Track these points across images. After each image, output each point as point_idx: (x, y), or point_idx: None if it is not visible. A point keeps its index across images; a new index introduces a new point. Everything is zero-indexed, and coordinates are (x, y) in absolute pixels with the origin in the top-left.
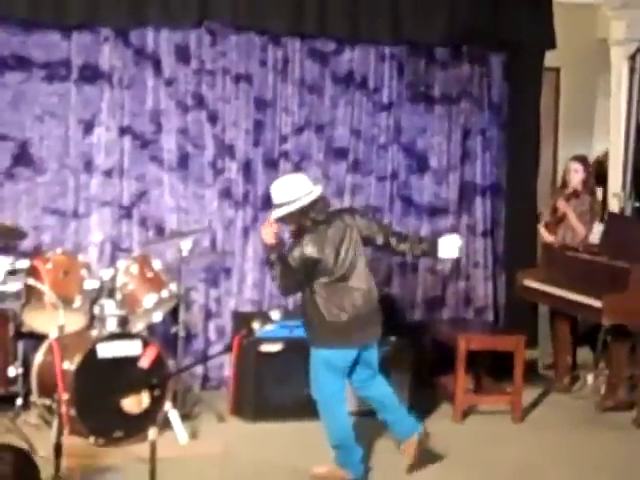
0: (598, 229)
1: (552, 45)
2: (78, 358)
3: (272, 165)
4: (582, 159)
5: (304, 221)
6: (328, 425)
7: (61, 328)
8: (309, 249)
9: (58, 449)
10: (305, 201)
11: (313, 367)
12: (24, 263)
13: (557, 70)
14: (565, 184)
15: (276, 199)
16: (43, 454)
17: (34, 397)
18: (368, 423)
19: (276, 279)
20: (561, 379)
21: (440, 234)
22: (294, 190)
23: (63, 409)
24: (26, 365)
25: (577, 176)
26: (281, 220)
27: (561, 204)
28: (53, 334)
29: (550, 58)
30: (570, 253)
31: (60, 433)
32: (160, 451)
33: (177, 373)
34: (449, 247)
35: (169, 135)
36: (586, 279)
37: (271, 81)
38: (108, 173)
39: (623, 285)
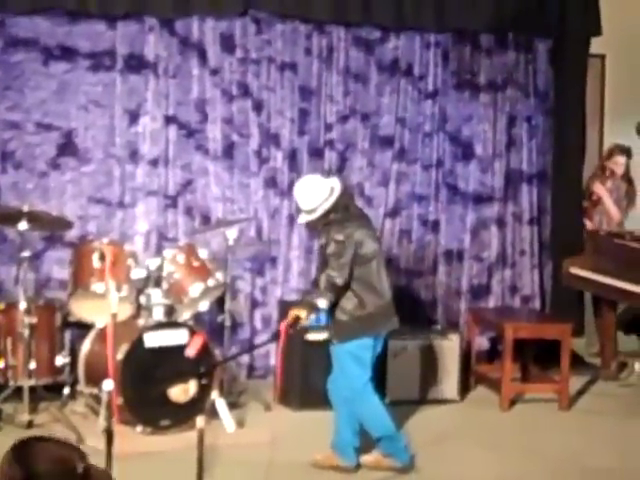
0: (633, 216)
1: (598, 32)
2: (125, 347)
3: (317, 154)
4: (626, 151)
5: (334, 217)
6: (368, 418)
7: (114, 316)
8: (356, 234)
9: (109, 436)
10: (328, 204)
11: (341, 364)
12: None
13: (602, 57)
14: (604, 168)
15: (303, 205)
16: (91, 443)
17: (81, 386)
18: (408, 409)
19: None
20: (608, 367)
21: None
22: (318, 196)
23: (113, 395)
24: (73, 354)
25: (620, 168)
26: (313, 225)
27: (597, 187)
28: (100, 323)
29: (596, 45)
30: (617, 240)
31: (110, 419)
32: (207, 439)
33: (223, 362)
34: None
35: (214, 124)
36: (633, 266)
37: (316, 69)
38: (153, 162)
39: None
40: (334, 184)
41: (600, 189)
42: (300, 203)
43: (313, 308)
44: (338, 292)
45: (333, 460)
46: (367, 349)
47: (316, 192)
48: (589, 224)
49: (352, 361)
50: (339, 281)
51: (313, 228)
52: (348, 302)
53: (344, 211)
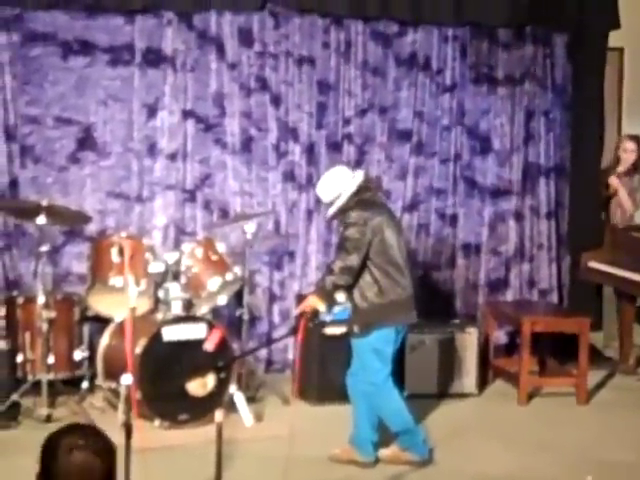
0: None
1: (616, 25)
2: (143, 341)
3: (335, 147)
4: (636, 138)
5: (353, 204)
6: (388, 412)
7: (133, 310)
8: (375, 221)
9: (128, 430)
10: (347, 194)
11: (362, 358)
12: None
13: (621, 50)
14: (618, 161)
15: (324, 198)
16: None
17: (99, 380)
18: (426, 403)
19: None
20: (626, 361)
21: None
22: (337, 187)
23: (132, 389)
24: (92, 348)
25: (631, 155)
26: (334, 217)
27: (613, 181)
28: (118, 317)
29: (614, 38)
30: (635, 234)
31: (129, 413)
32: (226, 433)
33: (242, 356)
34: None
35: (232, 118)
36: None
37: (334, 63)
38: (172, 157)
39: None
40: (355, 174)
41: (616, 182)
42: (321, 197)
43: (331, 297)
44: (352, 274)
45: (351, 455)
46: (388, 343)
47: (333, 183)
48: (607, 216)
49: (373, 355)
50: (352, 263)
51: (334, 219)
52: (369, 290)
53: (364, 199)
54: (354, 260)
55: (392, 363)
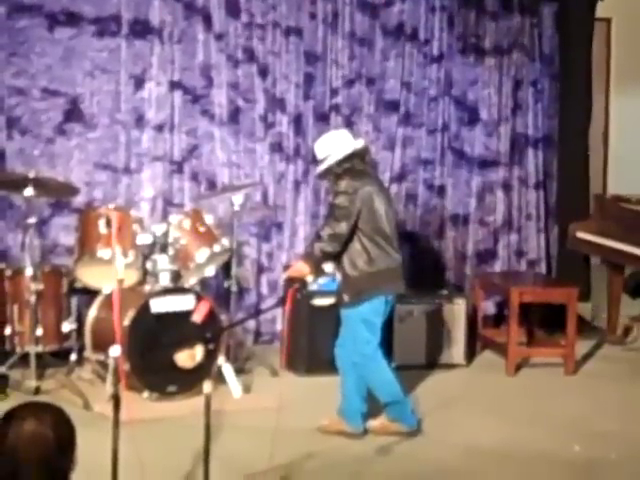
0: None
1: None
2: (131, 313)
3: (323, 118)
4: None
5: (346, 172)
6: (377, 383)
7: (121, 282)
8: (364, 190)
9: (116, 402)
10: (341, 154)
11: (351, 328)
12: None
13: (608, 21)
14: None
15: (317, 155)
16: (98, 409)
17: (88, 352)
18: (414, 374)
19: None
20: (614, 331)
21: None
22: (331, 145)
23: (120, 361)
24: (80, 320)
25: None
26: (323, 176)
27: None
28: (106, 289)
29: (601, 8)
30: (623, 204)
31: (117, 385)
32: (214, 405)
33: (230, 327)
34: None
35: (220, 89)
36: (639, 230)
37: (321, 34)
38: (159, 128)
39: None
40: (354, 141)
41: None
42: (316, 152)
43: (318, 264)
44: (340, 242)
45: (340, 425)
46: (378, 314)
47: (328, 142)
48: None
49: (363, 325)
50: (341, 230)
51: (323, 178)
52: (359, 258)
53: (356, 168)
54: (343, 228)
55: (381, 334)
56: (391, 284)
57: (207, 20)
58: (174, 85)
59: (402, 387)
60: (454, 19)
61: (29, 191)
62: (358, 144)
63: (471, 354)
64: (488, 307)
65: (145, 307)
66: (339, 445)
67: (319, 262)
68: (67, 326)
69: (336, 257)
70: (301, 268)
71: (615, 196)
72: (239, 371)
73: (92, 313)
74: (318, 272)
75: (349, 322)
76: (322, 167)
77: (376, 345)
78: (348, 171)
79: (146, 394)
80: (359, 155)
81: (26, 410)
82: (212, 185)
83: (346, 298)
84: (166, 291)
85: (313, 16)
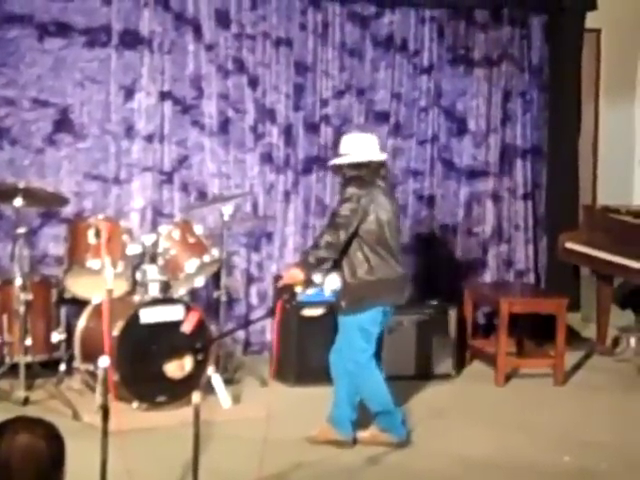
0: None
1: (593, 6)
2: (121, 323)
3: (313, 129)
4: None
5: (354, 179)
6: (368, 392)
7: (110, 292)
8: (367, 199)
9: (105, 412)
10: (356, 159)
11: (347, 335)
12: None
13: (598, 32)
14: None
15: (340, 148)
16: (87, 419)
17: (77, 362)
18: (404, 385)
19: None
20: (603, 342)
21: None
22: (355, 146)
23: (109, 371)
24: (69, 331)
25: None
26: (334, 170)
27: None
28: (95, 299)
29: (591, 19)
30: (612, 215)
31: (106, 395)
32: (203, 415)
33: (219, 338)
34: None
35: (210, 100)
36: (628, 241)
37: (311, 45)
38: (149, 138)
39: None
40: (377, 152)
41: None
42: (343, 145)
43: (313, 270)
44: (337, 251)
45: (329, 434)
46: (375, 324)
47: (355, 142)
48: None
49: (359, 334)
50: (338, 240)
51: (332, 172)
52: (359, 267)
53: (365, 177)
54: (341, 237)
55: (376, 344)
56: (391, 295)
57: (197, 31)
58: (164, 95)
59: (393, 398)
60: (444, 30)
61: (19, 201)
62: (378, 156)
63: (460, 364)
64: (478, 317)
65: (134, 317)
66: (328, 455)
67: (314, 269)
68: (56, 336)
69: (335, 264)
70: (295, 275)
71: (604, 207)
72: (228, 381)
73: (81, 323)
74: (308, 283)
75: (346, 329)
76: (336, 161)
77: (371, 354)
78: (357, 179)
79: (135, 404)
80: (373, 167)
81: (19, 423)
82: (202, 195)
83: (343, 304)
84: (155, 301)
85: (303, 27)
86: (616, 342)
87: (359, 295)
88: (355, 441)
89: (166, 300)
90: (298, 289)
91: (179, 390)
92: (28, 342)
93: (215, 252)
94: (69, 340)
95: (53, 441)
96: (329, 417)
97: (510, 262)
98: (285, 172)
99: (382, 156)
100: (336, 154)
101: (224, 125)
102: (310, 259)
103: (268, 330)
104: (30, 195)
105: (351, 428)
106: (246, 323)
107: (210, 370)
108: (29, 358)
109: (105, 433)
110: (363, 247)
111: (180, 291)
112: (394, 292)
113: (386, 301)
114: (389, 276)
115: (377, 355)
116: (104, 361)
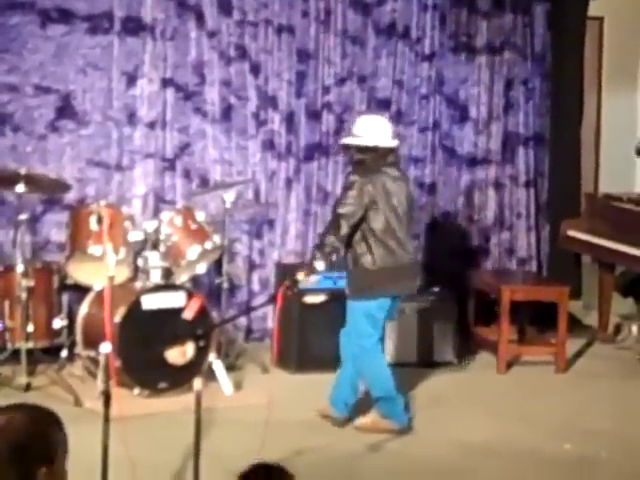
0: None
1: None
2: (122, 310)
3: (315, 116)
4: None
5: (360, 164)
6: (371, 377)
7: (112, 278)
8: (374, 189)
9: (107, 399)
10: (365, 142)
11: (354, 319)
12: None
13: (601, 19)
14: None
15: (354, 128)
16: (89, 405)
17: (79, 349)
18: (406, 372)
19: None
20: (605, 330)
21: None
22: (367, 129)
23: (111, 357)
24: (71, 317)
25: None
26: (342, 149)
27: None
28: (97, 286)
29: (594, 7)
30: (614, 203)
31: (108, 381)
32: (205, 401)
33: (221, 324)
34: None
35: (212, 87)
36: (630, 229)
37: (313, 32)
38: (151, 125)
39: None
40: (388, 139)
41: None
42: (355, 125)
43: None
44: (342, 240)
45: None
46: (382, 310)
47: (369, 125)
48: None
49: (365, 319)
50: (343, 228)
51: (345, 153)
52: (363, 256)
53: (370, 163)
54: (343, 228)
55: (383, 330)
56: (399, 283)
57: (199, 17)
58: (166, 82)
59: (396, 385)
60: (446, 17)
61: (21, 187)
62: (386, 142)
63: (462, 352)
64: (479, 305)
65: (136, 304)
66: (330, 442)
67: (327, 257)
68: (58, 322)
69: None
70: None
71: (606, 195)
72: (230, 368)
73: (83, 310)
74: (311, 272)
75: (353, 314)
76: (346, 141)
77: (377, 339)
78: (361, 164)
79: (137, 391)
80: (380, 153)
81: (11, 407)
82: (204, 182)
83: (348, 291)
84: (157, 288)
85: (305, 14)
86: (617, 330)
87: (364, 283)
88: (348, 420)
89: (168, 287)
90: (300, 277)
91: (181, 376)
92: (30, 328)
93: (217, 239)
94: (71, 326)
95: (42, 423)
96: (329, 395)
97: (512, 250)
98: (287, 159)
99: (392, 143)
100: (349, 133)
101: (226, 112)
102: (326, 249)
103: (270, 317)
104: (32, 181)
105: (345, 409)
106: (248, 310)
107: (212, 357)
108: (31, 344)
109: (107, 419)
110: (367, 237)
111: (182, 278)
112: (403, 280)
113: (395, 289)
114: (394, 264)
115: (381, 340)
116: (106, 347)
